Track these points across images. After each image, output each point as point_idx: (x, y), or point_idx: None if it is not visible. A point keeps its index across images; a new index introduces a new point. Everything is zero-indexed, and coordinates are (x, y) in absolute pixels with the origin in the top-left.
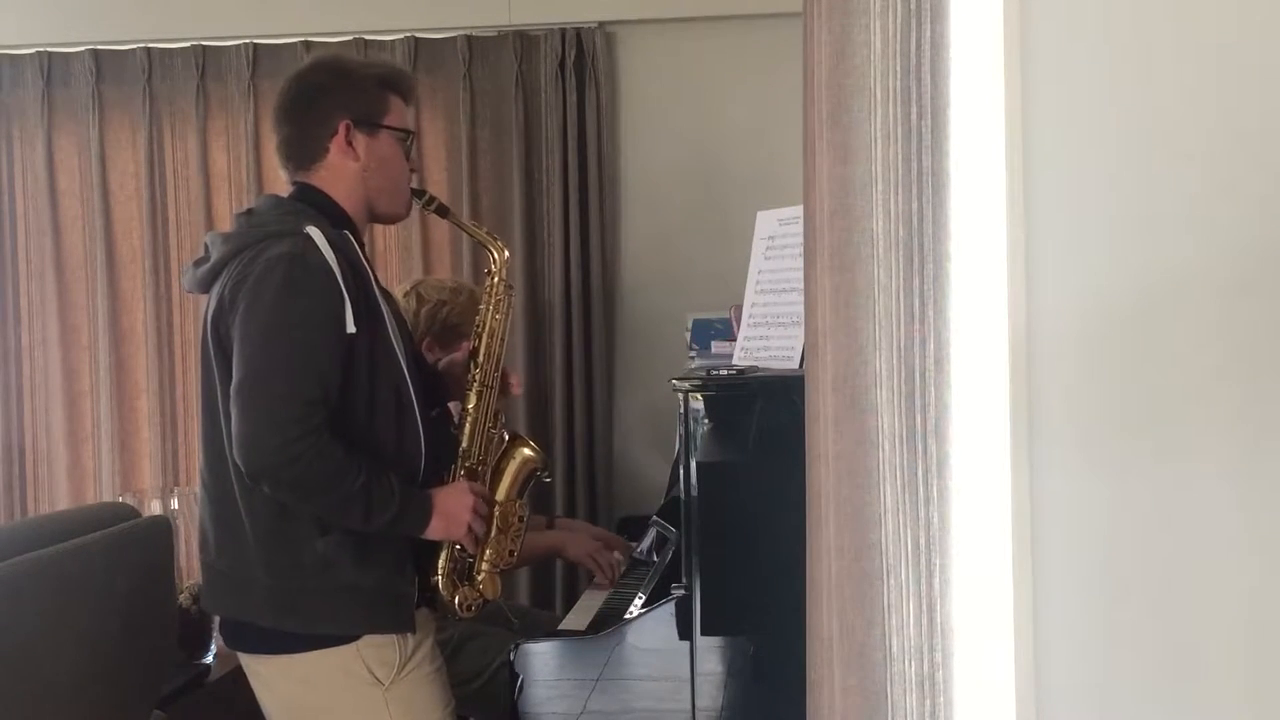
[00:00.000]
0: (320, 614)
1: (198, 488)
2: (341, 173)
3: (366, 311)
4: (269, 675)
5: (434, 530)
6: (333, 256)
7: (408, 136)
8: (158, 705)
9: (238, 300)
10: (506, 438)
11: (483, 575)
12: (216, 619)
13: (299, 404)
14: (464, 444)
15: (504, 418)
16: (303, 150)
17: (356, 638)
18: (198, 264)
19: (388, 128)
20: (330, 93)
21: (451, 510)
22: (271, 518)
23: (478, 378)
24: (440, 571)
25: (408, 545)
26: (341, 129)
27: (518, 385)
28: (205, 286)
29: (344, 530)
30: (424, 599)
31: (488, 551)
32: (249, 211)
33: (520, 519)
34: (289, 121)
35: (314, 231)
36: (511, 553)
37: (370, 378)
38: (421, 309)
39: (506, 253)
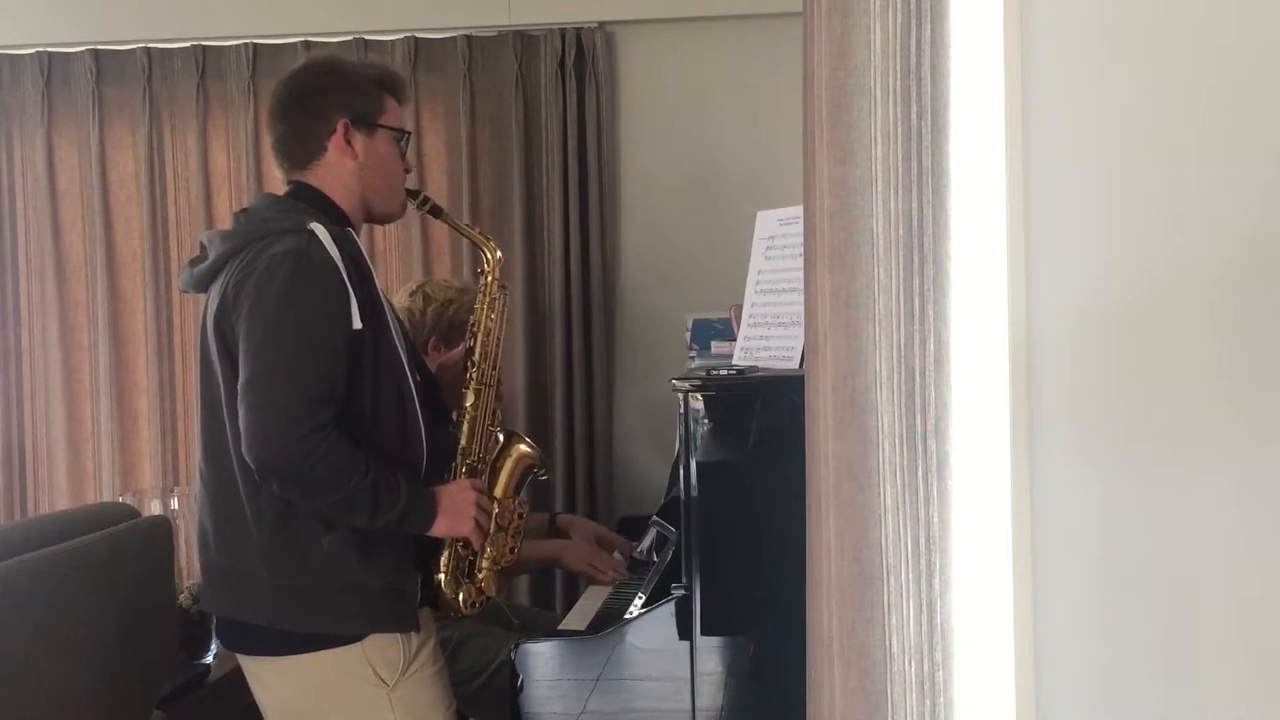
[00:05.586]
0: (325, 612)
1: (196, 486)
2: (339, 171)
3: (370, 309)
4: (269, 677)
5: (439, 528)
6: (337, 253)
7: (403, 136)
8: (158, 705)
9: (242, 297)
10: (503, 436)
11: (484, 573)
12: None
13: (307, 401)
14: (463, 442)
15: (501, 416)
16: (301, 149)
17: (361, 637)
18: (194, 263)
19: (384, 127)
20: (328, 92)
21: (456, 507)
22: (277, 515)
23: (475, 377)
24: (443, 569)
25: (411, 544)
26: (340, 128)
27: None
28: (203, 285)
29: (349, 528)
30: (426, 598)
31: (488, 549)
32: (245, 210)
33: (519, 516)
34: (286, 120)
35: (318, 228)
36: (512, 549)
37: (374, 375)
38: (428, 308)
39: (499, 253)
